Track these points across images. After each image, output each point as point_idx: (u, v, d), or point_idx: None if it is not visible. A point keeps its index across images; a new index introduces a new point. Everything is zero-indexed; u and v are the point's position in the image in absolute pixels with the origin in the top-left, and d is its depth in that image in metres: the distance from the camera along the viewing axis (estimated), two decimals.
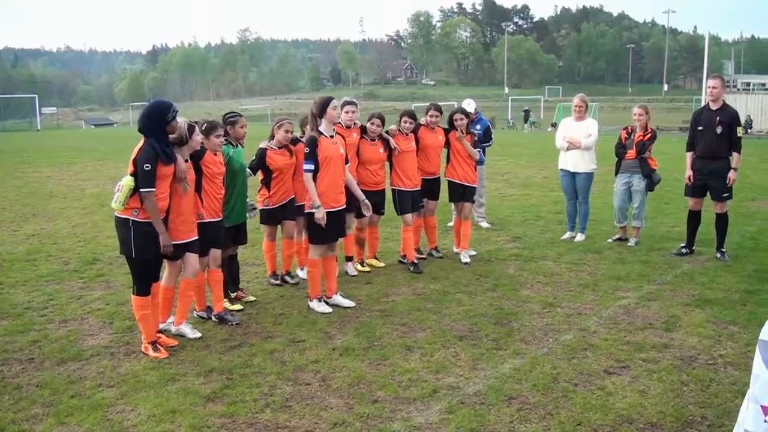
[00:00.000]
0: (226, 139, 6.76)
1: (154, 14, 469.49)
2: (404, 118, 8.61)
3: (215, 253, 6.66)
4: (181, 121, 5.87)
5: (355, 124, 8.22)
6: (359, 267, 8.68)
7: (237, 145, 7.00)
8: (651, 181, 9.48)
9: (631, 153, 9.49)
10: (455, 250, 9.31)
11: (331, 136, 7.03)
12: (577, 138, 9.68)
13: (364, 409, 4.73)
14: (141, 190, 5.45)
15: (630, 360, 5.55)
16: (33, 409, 4.90)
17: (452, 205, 10.40)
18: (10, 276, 8.57)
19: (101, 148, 32.13)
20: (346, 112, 8.12)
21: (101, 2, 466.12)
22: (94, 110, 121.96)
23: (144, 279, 5.78)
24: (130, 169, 5.52)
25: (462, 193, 9.01)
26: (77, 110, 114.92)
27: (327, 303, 7.12)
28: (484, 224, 11.32)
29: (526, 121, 54.51)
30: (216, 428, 4.54)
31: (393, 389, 5.05)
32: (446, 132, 8.98)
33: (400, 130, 8.61)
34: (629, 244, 9.68)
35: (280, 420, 4.63)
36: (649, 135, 9.42)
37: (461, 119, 8.85)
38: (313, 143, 6.81)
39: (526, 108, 57.86)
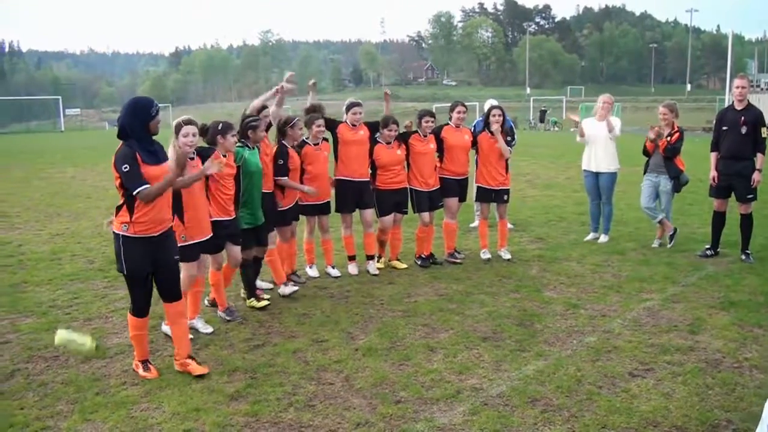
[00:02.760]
0: (242, 142, 6.82)
1: (177, 16, 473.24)
2: (425, 119, 8.59)
3: (234, 253, 6.69)
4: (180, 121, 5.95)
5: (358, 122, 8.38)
6: (378, 264, 8.77)
7: (253, 147, 7.00)
8: (678, 182, 9.39)
9: (650, 145, 9.47)
10: (482, 251, 9.23)
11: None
12: (603, 134, 9.60)
13: (387, 410, 4.73)
14: (134, 193, 4.99)
15: (654, 362, 5.50)
16: (58, 405, 4.95)
17: (475, 206, 10.41)
18: (35, 275, 8.67)
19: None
20: (354, 114, 8.22)
21: (124, 5, 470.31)
22: (117, 111, 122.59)
23: (137, 298, 5.37)
24: (115, 178, 5.13)
25: (494, 196, 9.01)
26: (101, 111, 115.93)
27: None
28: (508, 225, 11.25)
29: (542, 121, 54.22)
30: (240, 427, 4.56)
31: (416, 390, 5.04)
32: (474, 135, 8.97)
33: (417, 131, 8.62)
34: (653, 245, 9.60)
35: (304, 419, 4.64)
36: (677, 136, 9.29)
37: (498, 114, 8.81)
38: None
39: (544, 108, 57.52)
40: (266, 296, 7.37)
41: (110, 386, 5.25)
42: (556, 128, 52.98)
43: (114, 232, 5.21)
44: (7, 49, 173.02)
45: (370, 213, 8.47)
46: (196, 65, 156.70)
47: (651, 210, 9.68)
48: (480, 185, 9.10)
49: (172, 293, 5.47)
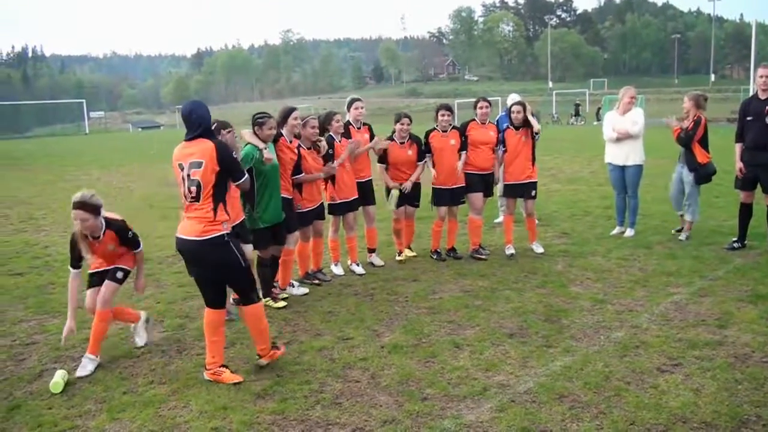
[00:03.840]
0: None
1: (198, 18, 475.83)
2: (441, 112, 8.61)
3: (249, 253, 6.66)
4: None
5: (363, 124, 8.49)
6: (397, 257, 8.94)
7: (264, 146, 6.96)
8: (698, 174, 9.28)
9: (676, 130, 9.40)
10: (506, 246, 9.18)
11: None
12: (624, 128, 9.51)
13: (413, 407, 4.72)
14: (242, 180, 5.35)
15: (683, 357, 5.43)
16: (86, 405, 5.00)
17: (499, 201, 10.38)
18: (61, 276, 8.74)
19: (149, 151, 32.61)
20: (355, 108, 8.26)
21: (146, 8, 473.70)
22: (141, 113, 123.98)
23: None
24: (214, 168, 5.06)
25: (523, 191, 8.98)
26: (124, 114, 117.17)
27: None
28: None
29: (577, 114, 53.75)
30: (267, 425, 4.57)
31: (442, 387, 5.02)
32: (500, 131, 8.96)
33: (436, 128, 8.65)
34: (680, 238, 9.49)
35: (331, 417, 4.64)
36: (691, 125, 9.20)
37: (518, 111, 8.82)
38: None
39: (578, 102, 57.09)
40: (284, 295, 7.41)
41: (138, 385, 5.30)
42: (573, 121, 52.54)
43: (216, 236, 5.08)
44: (30, 54, 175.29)
45: (373, 209, 8.68)
46: (218, 66, 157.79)
47: (674, 200, 9.63)
48: (507, 183, 9.06)
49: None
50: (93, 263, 6.01)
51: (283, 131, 7.24)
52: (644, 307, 6.72)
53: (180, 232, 5.16)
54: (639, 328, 6.14)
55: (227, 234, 5.11)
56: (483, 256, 8.93)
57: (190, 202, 5.07)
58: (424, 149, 8.68)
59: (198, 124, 5.13)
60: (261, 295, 6.95)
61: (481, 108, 8.78)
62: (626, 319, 6.40)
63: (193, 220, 5.06)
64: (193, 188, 5.03)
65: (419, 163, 8.67)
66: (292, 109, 7.50)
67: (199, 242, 5.04)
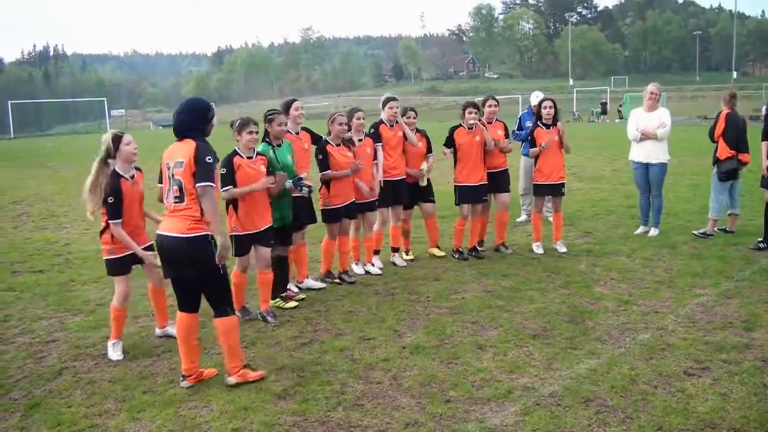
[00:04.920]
0: (266, 140, 6.77)
1: (219, 16, 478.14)
2: (468, 110, 8.60)
3: (264, 254, 6.62)
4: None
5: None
6: (404, 256, 8.85)
7: (279, 145, 6.92)
8: (718, 169, 9.19)
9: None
10: (535, 244, 9.18)
11: (297, 133, 7.44)
12: (651, 129, 9.38)
13: (436, 409, 4.65)
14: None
15: (710, 361, 5.32)
16: (105, 404, 4.97)
17: (521, 200, 10.31)
18: (82, 273, 8.78)
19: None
20: (390, 108, 8.22)
21: (166, 6, 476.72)
22: (162, 112, 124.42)
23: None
24: (192, 168, 4.90)
25: (553, 191, 8.97)
26: (145, 112, 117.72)
27: (299, 287, 7.59)
28: (551, 218, 11.12)
29: (604, 112, 53.38)
30: (288, 426, 4.51)
31: (466, 389, 4.95)
32: (523, 129, 8.91)
33: (461, 125, 8.58)
34: (693, 232, 9.55)
35: (353, 419, 4.58)
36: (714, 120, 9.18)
37: (550, 107, 8.84)
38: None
39: (604, 100, 56.70)
40: (301, 296, 7.36)
41: (158, 384, 5.27)
42: (601, 120, 52.21)
43: (200, 235, 4.95)
44: (52, 53, 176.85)
45: (399, 209, 8.65)
46: (238, 64, 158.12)
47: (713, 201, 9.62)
48: (539, 182, 8.99)
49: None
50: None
51: (288, 124, 7.21)
52: (670, 309, 6.61)
53: (162, 230, 5.02)
54: (665, 330, 6.04)
55: (211, 236, 4.95)
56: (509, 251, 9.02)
57: (175, 202, 4.97)
58: (445, 143, 8.70)
59: (179, 129, 5.04)
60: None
61: (489, 107, 8.81)
62: (652, 320, 6.30)
63: (178, 218, 4.93)
64: (176, 188, 4.94)
65: (429, 155, 8.67)
66: (293, 100, 7.50)
67: (181, 239, 4.89)
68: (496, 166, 8.84)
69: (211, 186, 4.87)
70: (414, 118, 8.55)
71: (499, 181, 8.87)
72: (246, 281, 6.82)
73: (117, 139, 5.88)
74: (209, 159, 4.86)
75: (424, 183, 8.57)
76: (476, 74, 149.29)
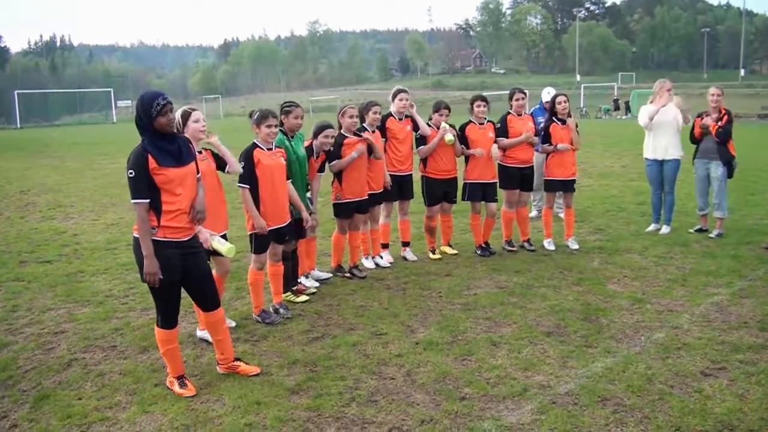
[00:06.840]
0: (281, 130, 6.69)
1: (226, 8, 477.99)
2: (477, 103, 8.50)
3: (275, 248, 6.54)
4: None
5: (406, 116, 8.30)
6: (431, 255, 8.69)
7: (293, 136, 6.86)
8: (731, 167, 9.14)
9: (699, 131, 9.31)
10: (546, 241, 9.12)
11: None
12: (669, 119, 9.32)
13: (451, 407, 4.59)
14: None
15: (726, 361, 5.26)
16: (116, 396, 4.93)
17: (531, 195, 10.24)
18: (91, 264, 8.75)
19: None
20: (400, 100, 8.11)
21: None
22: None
23: (168, 309, 4.92)
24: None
25: (565, 187, 8.89)
26: None
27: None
28: (561, 214, 11.06)
29: (617, 108, 53.23)
30: (302, 421, 4.46)
31: (481, 386, 4.89)
32: (536, 124, 8.82)
33: (471, 120, 8.49)
34: (710, 235, 9.30)
35: (367, 415, 4.53)
36: (726, 117, 9.08)
37: (565, 101, 8.73)
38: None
39: (616, 97, 56.52)
40: (312, 290, 7.31)
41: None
42: (608, 116, 52.05)
43: (135, 236, 4.72)
44: (58, 44, 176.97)
45: (406, 203, 8.57)
46: (244, 56, 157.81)
47: (704, 199, 9.55)
48: (550, 178, 8.90)
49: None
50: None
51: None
52: (684, 308, 6.54)
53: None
54: (680, 329, 5.97)
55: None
56: (513, 248, 8.93)
57: None
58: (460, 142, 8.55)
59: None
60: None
61: (517, 100, 8.66)
62: (667, 319, 6.23)
63: None
64: None
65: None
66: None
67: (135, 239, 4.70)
68: (526, 161, 8.75)
69: (134, 203, 4.57)
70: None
71: (526, 178, 8.84)
72: (263, 279, 6.60)
73: (186, 116, 5.64)
74: (130, 173, 4.52)
75: (450, 138, 8.25)
76: (483, 69, 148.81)
